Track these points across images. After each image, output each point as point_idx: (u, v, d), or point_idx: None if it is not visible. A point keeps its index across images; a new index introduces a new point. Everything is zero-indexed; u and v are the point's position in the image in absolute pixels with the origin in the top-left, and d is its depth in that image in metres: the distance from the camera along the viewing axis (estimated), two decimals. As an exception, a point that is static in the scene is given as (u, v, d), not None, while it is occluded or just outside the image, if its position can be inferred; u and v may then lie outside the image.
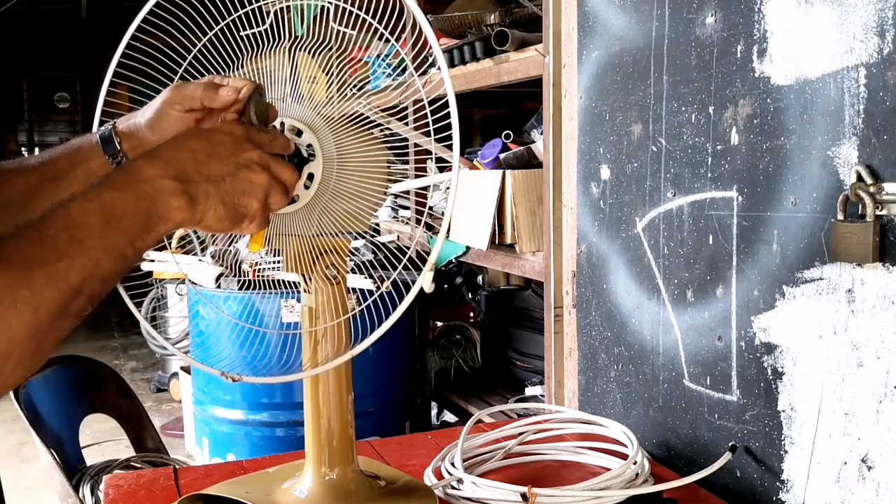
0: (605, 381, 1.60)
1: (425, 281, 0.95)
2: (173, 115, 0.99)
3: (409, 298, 0.95)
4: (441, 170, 2.20)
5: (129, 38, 1.06)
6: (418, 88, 0.98)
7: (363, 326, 1.01)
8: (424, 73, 1.00)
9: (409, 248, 0.97)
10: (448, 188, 2.46)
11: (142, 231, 0.77)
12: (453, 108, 0.92)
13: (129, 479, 1.33)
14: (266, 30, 1.04)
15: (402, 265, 1.01)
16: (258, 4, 1.04)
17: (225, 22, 1.04)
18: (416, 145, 2.24)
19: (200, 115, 1.00)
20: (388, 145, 1.06)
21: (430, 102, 0.95)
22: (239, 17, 1.04)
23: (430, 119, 0.96)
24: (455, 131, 0.92)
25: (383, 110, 1.17)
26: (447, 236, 2.36)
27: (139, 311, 1.14)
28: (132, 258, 0.77)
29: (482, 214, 2.20)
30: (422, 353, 3.11)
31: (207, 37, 1.05)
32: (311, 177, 1.00)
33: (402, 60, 1.03)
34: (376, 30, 0.99)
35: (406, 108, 1.06)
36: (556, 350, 1.82)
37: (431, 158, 0.99)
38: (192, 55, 1.08)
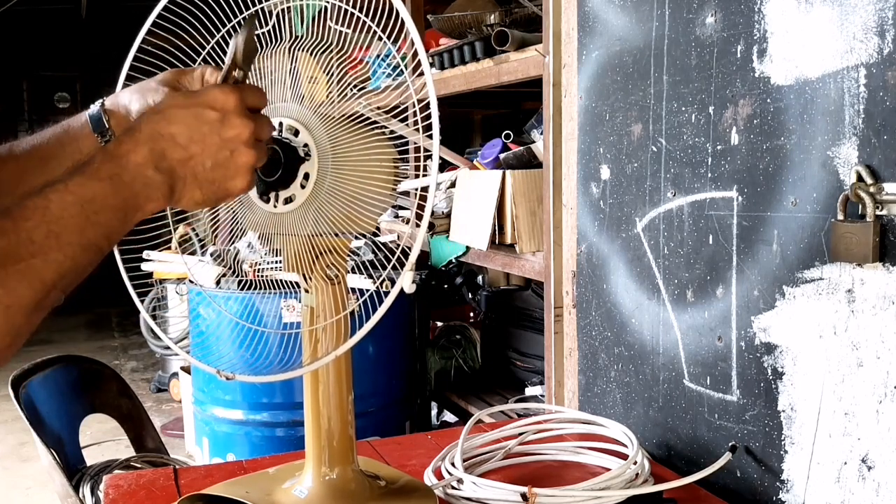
0: (605, 381, 1.60)
1: (405, 282, 0.95)
2: None
3: (388, 301, 0.95)
4: (441, 171, 2.19)
5: (140, 41, 1.06)
6: (409, 88, 0.98)
7: (362, 326, 1.01)
8: (422, 73, 1.00)
9: (409, 248, 0.97)
10: (447, 188, 2.47)
11: (119, 224, 0.76)
12: (434, 111, 0.93)
13: (129, 479, 1.33)
14: (270, 30, 1.05)
15: (391, 264, 1.01)
16: (262, 6, 1.04)
17: (232, 24, 1.04)
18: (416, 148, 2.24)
19: None
20: (393, 147, 1.06)
21: (424, 105, 0.95)
22: (243, 18, 1.04)
23: (419, 116, 0.96)
24: (435, 133, 0.93)
25: (382, 111, 1.17)
26: (436, 234, 2.36)
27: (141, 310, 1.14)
28: (106, 250, 0.76)
29: (482, 214, 2.20)
30: (422, 353, 3.11)
31: (216, 38, 1.05)
32: (307, 176, 1.00)
33: (399, 61, 1.03)
34: (375, 30, 1.00)
35: (398, 108, 1.05)
36: (556, 350, 1.82)
37: (431, 159, 0.99)
38: (201, 57, 1.08)
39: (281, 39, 1.05)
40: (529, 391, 2.62)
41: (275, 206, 1.02)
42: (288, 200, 1.01)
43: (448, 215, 2.44)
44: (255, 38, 0.91)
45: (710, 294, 1.30)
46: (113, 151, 0.77)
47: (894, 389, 1.02)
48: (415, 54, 0.94)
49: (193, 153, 0.80)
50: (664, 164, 1.39)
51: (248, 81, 0.90)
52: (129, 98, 1.01)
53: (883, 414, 1.03)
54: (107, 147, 0.78)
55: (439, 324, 3.37)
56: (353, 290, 1.08)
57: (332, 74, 1.04)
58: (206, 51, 1.08)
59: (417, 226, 0.99)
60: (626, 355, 1.53)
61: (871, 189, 1.02)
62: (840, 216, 1.05)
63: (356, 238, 1.08)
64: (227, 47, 0.91)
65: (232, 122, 0.81)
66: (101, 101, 1.02)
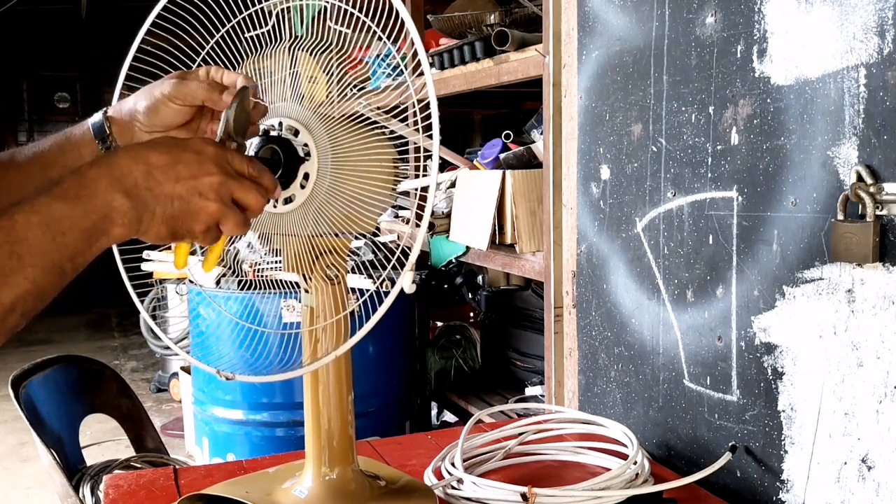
0: (605, 381, 1.60)
1: (405, 282, 0.95)
2: (172, 108, 0.99)
3: (388, 301, 0.95)
4: (441, 171, 2.19)
5: (139, 41, 1.06)
6: (409, 88, 0.98)
7: (362, 326, 1.01)
8: (422, 73, 1.00)
9: (409, 248, 0.97)
10: (447, 188, 2.47)
11: (84, 247, 0.74)
12: (434, 111, 0.93)
13: (129, 479, 1.33)
14: (269, 30, 1.05)
15: (391, 264, 1.01)
16: (262, 6, 1.04)
17: (231, 24, 1.04)
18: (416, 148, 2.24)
19: (199, 111, 1.00)
20: (393, 148, 1.06)
21: (424, 105, 0.95)
22: (243, 18, 1.04)
23: (419, 116, 0.96)
24: (435, 133, 0.93)
25: (382, 111, 1.17)
26: (436, 234, 2.36)
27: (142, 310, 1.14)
28: (71, 274, 0.74)
29: (482, 214, 2.20)
30: (422, 353, 3.11)
31: (215, 38, 1.05)
32: (307, 176, 1.00)
33: (399, 61, 1.03)
34: (375, 30, 1.00)
35: (398, 108, 1.05)
36: (556, 350, 1.82)
37: (431, 159, 0.99)
38: (201, 57, 1.08)
39: (281, 39, 1.05)
40: (529, 391, 2.62)
41: (275, 206, 1.02)
42: (288, 200, 1.01)
43: (448, 215, 2.44)
44: (246, 111, 0.93)
45: (710, 294, 1.30)
46: (84, 172, 0.77)
47: (894, 389, 1.02)
48: (415, 54, 0.94)
49: (165, 188, 0.80)
50: (664, 164, 1.39)
51: (244, 151, 0.94)
52: (134, 100, 1.01)
53: (883, 414, 1.03)
54: (80, 168, 0.78)
55: (439, 324, 3.37)
56: (353, 290, 1.08)
57: (332, 74, 1.04)
58: (205, 51, 1.08)
59: (417, 226, 0.99)
60: (626, 355, 1.53)
61: (871, 189, 1.02)
62: (840, 216, 1.05)
63: (356, 238, 1.08)
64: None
65: (206, 167, 0.82)
66: (104, 109, 1.02)
